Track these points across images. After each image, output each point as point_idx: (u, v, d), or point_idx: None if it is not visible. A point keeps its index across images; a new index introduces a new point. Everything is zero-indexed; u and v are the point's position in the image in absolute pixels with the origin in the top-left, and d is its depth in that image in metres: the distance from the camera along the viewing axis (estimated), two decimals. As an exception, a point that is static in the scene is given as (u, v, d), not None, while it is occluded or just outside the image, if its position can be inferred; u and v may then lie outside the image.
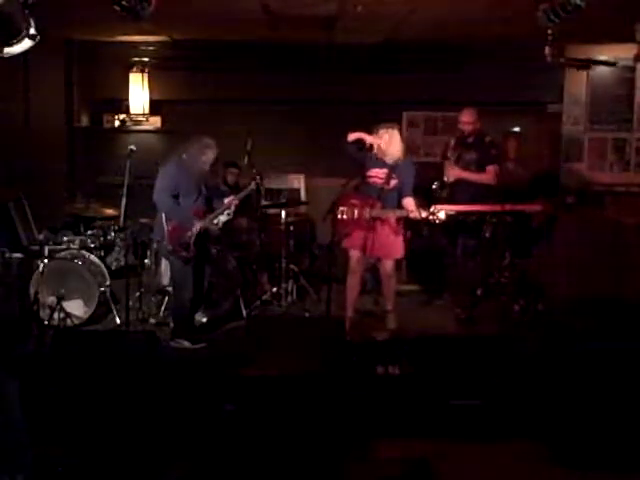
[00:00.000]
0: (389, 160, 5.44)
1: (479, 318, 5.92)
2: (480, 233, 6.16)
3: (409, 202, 5.45)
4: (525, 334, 5.43)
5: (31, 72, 6.97)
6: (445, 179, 6.27)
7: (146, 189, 5.79)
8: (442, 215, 5.21)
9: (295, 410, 4.05)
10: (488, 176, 6.16)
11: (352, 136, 5.44)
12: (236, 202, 5.43)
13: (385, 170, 5.44)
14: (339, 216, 5.49)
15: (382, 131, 5.45)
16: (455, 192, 6.17)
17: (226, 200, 5.43)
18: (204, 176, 5.38)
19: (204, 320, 5.85)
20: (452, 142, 6.40)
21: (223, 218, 5.46)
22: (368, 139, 5.44)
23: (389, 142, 5.43)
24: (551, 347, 4.68)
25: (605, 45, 7.23)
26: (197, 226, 5.23)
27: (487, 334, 5.55)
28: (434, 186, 6.29)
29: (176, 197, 5.23)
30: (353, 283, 5.66)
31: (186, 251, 5.23)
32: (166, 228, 5.18)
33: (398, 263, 5.93)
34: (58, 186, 7.66)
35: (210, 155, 5.27)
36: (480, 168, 6.19)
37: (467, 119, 6.24)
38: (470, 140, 6.26)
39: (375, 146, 5.44)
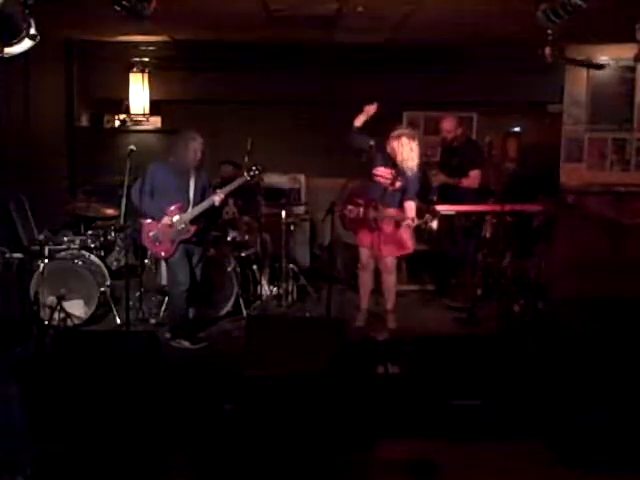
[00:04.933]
0: (404, 169, 5.40)
1: (479, 318, 5.92)
2: (480, 233, 6.18)
3: (410, 206, 5.46)
4: (525, 334, 5.43)
5: (31, 72, 6.94)
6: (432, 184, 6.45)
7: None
8: (434, 225, 5.25)
9: (295, 410, 4.05)
10: (471, 180, 6.35)
11: (359, 120, 5.48)
12: (221, 196, 5.38)
13: (392, 170, 5.44)
14: (347, 214, 5.61)
15: (405, 140, 5.35)
16: (444, 196, 6.33)
17: (213, 196, 5.41)
18: (198, 167, 5.35)
19: (190, 315, 5.78)
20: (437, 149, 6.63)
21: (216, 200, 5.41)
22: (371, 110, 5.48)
23: (410, 153, 5.35)
24: (551, 347, 4.68)
25: (605, 45, 7.23)
26: (165, 220, 5.23)
27: (487, 334, 5.56)
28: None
29: (152, 196, 5.29)
30: (365, 278, 5.76)
31: (157, 247, 5.29)
32: (142, 222, 5.32)
33: (398, 263, 5.94)
34: (58, 186, 7.66)
35: (193, 144, 5.23)
36: (463, 173, 6.36)
37: (448, 127, 6.46)
38: (454, 146, 6.46)
39: (394, 151, 5.39)
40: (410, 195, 5.49)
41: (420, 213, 5.39)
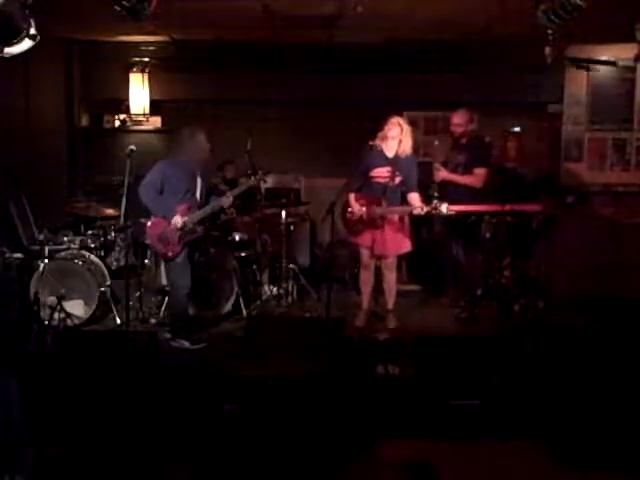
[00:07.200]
0: (399, 155, 5.43)
1: (479, 318, 5.92)
2: (480, 233, 6.16)
3: (414, 197, 5.48)
4: (525, 334, 5.43)
5: (31, 72, 6.95)
6: (435, 179, 6.26)
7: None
8: (444, 209, 5.19)
9: (295, 410, 4.05)
10: (474, 179, 6.12)
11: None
12: (231, 199, 5.40)
13: (388, 167, 5.46)
14: (348, 216, 5.59)
15: (397, 125, 5.43)
16: (443, 193, 6.11)
17: (222, 198, 5.42)
18: (206, 164, 5.36)
19: (190, 313, 5.77)
20: (436, 142, 6.46)
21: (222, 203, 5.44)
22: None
23: (408, 131, 5.43)
24: (551, 347, 4.68)
25: (605, 45, 7.23)
26: (177, 221, 5.20)
27: (487, 334, 5.56)
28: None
29: (161, 193, 5.25)
30: (366, 277, 5.76)
31: (165, 247, 5.25)
32: (147, 222, 5.27)
33: (398, 263, 5.95)
34: (58, 186, 7.66)
35: (200, 138, 5.25)
36: (468, 170, 6.16)
37: (458, 121, 6.23)
38: (462, 142, 6.26)
39: (392, 125, 5.42)
40: (411, 187, 5.51)
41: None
